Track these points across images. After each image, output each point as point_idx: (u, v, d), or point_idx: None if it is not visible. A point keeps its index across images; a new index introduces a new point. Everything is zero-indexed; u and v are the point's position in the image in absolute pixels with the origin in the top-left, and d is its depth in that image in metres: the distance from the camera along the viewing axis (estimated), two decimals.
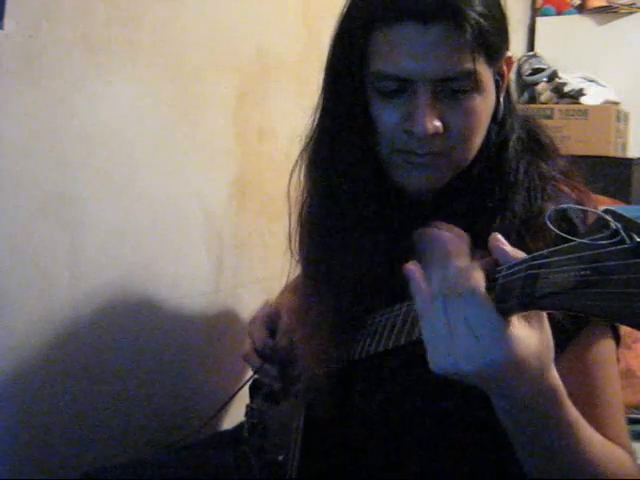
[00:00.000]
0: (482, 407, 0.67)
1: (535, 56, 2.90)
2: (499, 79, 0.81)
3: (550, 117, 2.60)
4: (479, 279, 0.58)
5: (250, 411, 1.14)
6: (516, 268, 0.57)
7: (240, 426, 1.17)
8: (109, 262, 1.17)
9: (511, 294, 0.56)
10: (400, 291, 0.80)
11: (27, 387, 1.07)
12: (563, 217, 0.75)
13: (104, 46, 1.12)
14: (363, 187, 0.83)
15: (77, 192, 1.11)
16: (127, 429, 1.24)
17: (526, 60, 2.89)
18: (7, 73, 0.99)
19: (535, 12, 3.05)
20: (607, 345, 0.77)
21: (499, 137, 0.83)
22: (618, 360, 0.80)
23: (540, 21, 3.02)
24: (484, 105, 0.78)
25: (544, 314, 0.60)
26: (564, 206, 0.60)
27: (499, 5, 0.79)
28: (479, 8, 0.74)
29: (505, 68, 0.83)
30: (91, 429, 1.17)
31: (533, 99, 2.82)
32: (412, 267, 0.65)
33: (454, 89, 0.76)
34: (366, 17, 0.76)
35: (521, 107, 0.91)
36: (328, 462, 0.93)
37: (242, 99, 1.41)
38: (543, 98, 2.78)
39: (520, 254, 0.59)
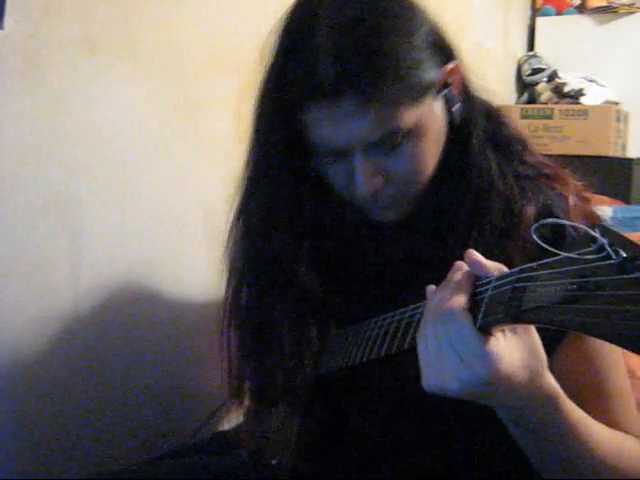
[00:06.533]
0: (478, 411, 0.67)
1: (535, 56, 2.90)
2: (447, 94, 0.78)
3: (550, 117, 2.60)
4: (458, 300, 0.59)
5: (249, 413, 1.14)
6: (504, 281, 0.57)
7: (239, 427, 1.17)
8: (109, 262, 1.17)
9: (499, 307, 0.56)
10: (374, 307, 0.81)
11: (27, 386, 1.07)
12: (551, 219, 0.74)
13: (104, 46, 1.12)
14: (321, 213, 0.84)
15: (77, 192, 1.10)
16: (126, 428, 1.24)
17: (526, 60, 2.89)
18: (7, 73, 0.99)
19: (535, 12, 3.05)
20: None
21: (459, 142, 0.80)
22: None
23: (540, 21, 3.01)
24: (426, 141, 0.76)
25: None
26: (549, 221, 0.58)
27: (408, 38, 0.73)
28: (380, 63, 0.70)
29: (450, 79, 0.78)
30: (90, 428, 1.17)
31: (533, 99, 2.82)
32: (432, 288, 0.65)
33: (386, 144, 0.74)
34: (286, 101, 0.75)
35: (482, 100, 0.85)
36: (321, 467, 0.93)
37: (242, 99, 1.41)
38: (543, 98, 2.78)
39: (497, 265, 0.60)
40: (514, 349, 0.58)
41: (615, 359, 0.77)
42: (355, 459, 0.90)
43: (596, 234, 0.48)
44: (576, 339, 0.75)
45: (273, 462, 0.98)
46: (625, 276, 0.44)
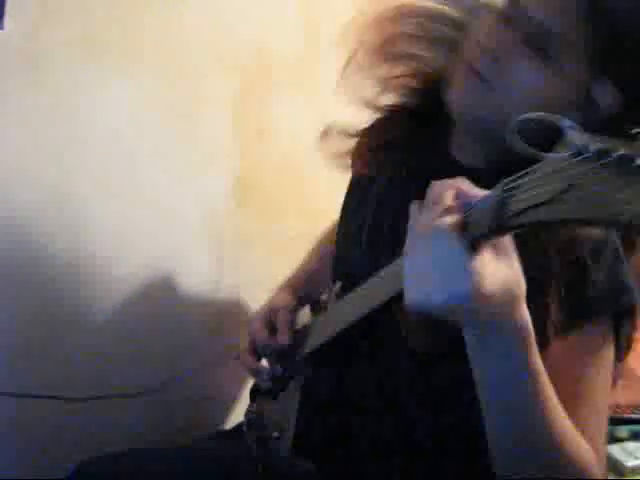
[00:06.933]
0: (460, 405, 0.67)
1: None
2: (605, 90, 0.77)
3: None
4: (446, 218, 0.61)
5: (250, 412, 1.15)
6: (489, 195, 0.59)
7: (239, 425, 1.17)
8: (109, 263, 1.17)
9: (486, 220, 0.58)
10: None
11: (27, 385, 1.07)
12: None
13: (104, 46, 1.12)
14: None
15: (77, 192, 1.11)
16: (126, 427, 1.24)
17: None
18: (7, 73, 0.99)
19: None
20: (605, 347, 0.77)
21: None
22: (616, 373, 0.79)
23: None
24: (540, 79, 0.77)
25: (512, 249, 0.62)
26: (528, 115, 0.58)
27: None
28: None
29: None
30: (91, 427, 1.17)
31: None
32: (413, 206, 0.67)
33: (522, 39, 0.76)
34: None
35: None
36: (322, 434, 0.95)
37: (242, 99, 1.41)
38: None
39: (483, 192, 0.62)
40: (499, 270, 0.60)
41: (603, 373, 0.77)
42: (352, 429, 0.92)
43: (569, 132, 0.50)
44: (574, 340, 0.75)
45: (274, 434, 0.99)
46: (606, 170, 0.46)
